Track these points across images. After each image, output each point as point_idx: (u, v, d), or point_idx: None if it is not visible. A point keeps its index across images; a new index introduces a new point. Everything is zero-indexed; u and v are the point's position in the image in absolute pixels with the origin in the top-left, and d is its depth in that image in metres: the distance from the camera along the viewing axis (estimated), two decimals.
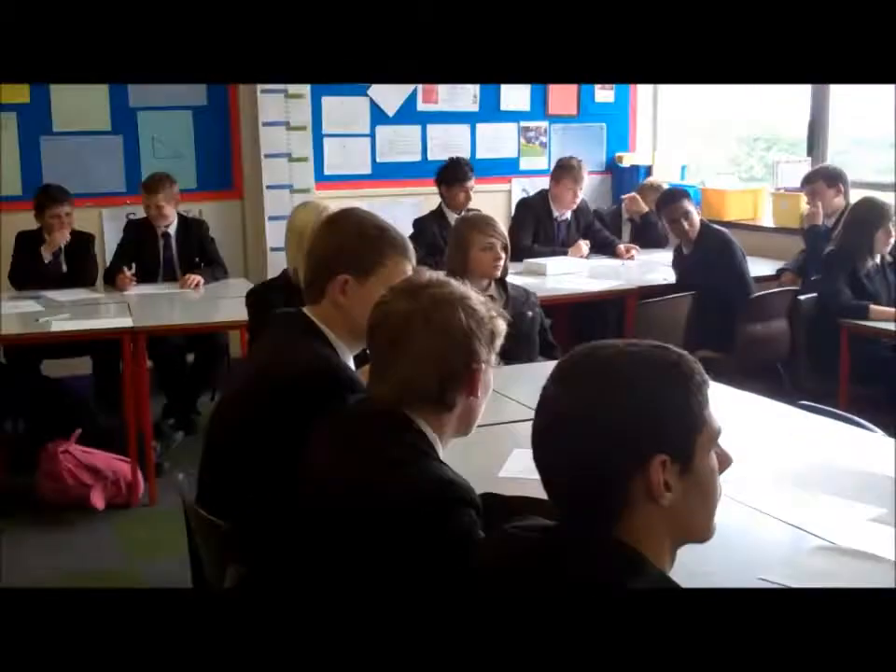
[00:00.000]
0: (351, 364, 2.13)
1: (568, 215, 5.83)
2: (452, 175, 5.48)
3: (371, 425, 1.69)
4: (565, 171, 5.70)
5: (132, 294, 4.84)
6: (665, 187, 5.88)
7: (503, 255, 3.68)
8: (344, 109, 6.22)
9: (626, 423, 1.20)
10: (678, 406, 1.22)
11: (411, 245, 2.15)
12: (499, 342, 1.76)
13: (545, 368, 3.50)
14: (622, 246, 5.70)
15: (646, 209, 5.89)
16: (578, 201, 5.75)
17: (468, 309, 1.70)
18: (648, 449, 1.21)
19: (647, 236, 5.96)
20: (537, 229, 5.71)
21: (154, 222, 5.13)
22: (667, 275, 5.04)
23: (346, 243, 2.09)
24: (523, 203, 5.93)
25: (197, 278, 4.99)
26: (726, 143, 6.84)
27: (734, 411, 2.64)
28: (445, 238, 5.29)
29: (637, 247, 5.72)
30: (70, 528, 4.00)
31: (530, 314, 3.77)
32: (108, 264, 5.25)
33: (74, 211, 5.06)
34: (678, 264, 4.99)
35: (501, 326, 1.76)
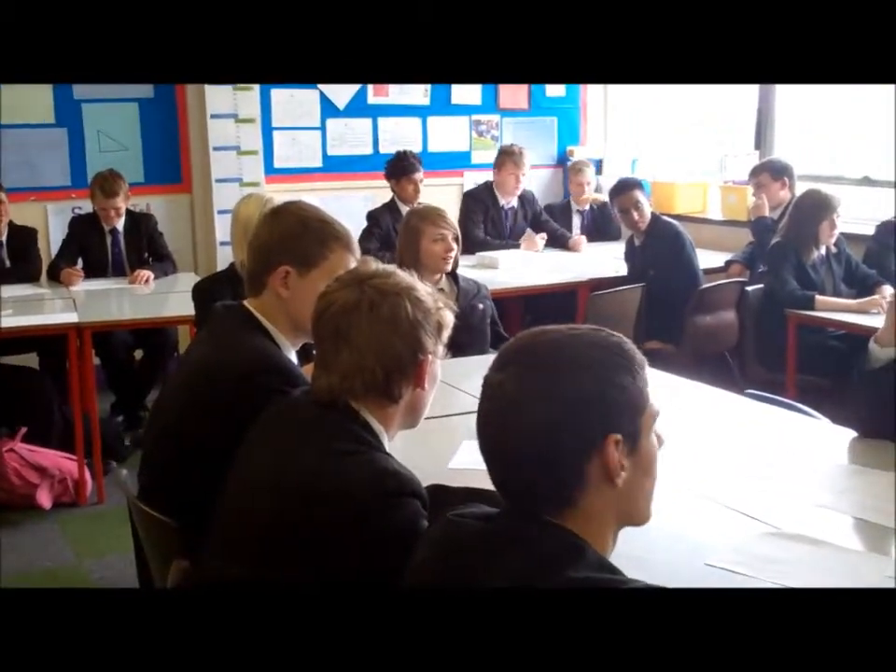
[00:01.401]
0: (293, 358, 2.11)
1: (515, 202, 5.88)
2: (399, 168, 5.47)
3: (315, 416, 1.67)
4: (506, 156, 5.78)
5: (78, 290, 4.76)
6: (587, 164, 6.06)
7: (454, 246, 3.68)
8: (294, 102, 6.16)
9: (578, 404, 1.20)
10: (625, 386, 1.22)
11: (355, 239, 2.13)
12: (447, 333, 1.75)
13: None
14: (574, 238, 5.74)
15: (604, 199, 5.92)
16: (521, 187, 5.81)
17: (414, 300, 1.69)
18: (602, 430, 1.21)
19: (601, 228, 6.01)
20: (484, 218, 5.74)
21: (107, 223, 5.06)
22: (618, 268, 5.08)
23: (289, 234, 2.07)
24: (468, 195, 5.97)
25: (147, 273, 4.92)
26: (676, 136, 6.88)
27: (682, 400, 2.66)
28: (397, 230, 5.29)
29: (585, 239, 5.77)
30: (16, 528, 3.93)
31: (481, 306, 3.77)
32: (52, 259, 5.16)
33: (7, 202, 4.95)
34: (629, 256, 5.03)
35: (448, 317, 1.75)
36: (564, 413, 1.19)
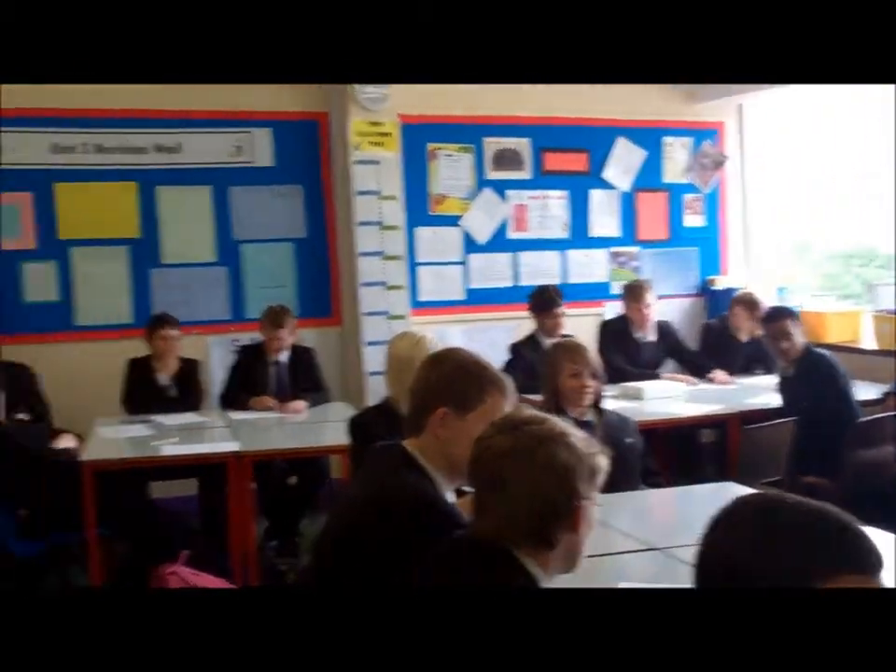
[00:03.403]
0: (451, 499, 2.17)
1: (651, 336, 5.87)
2: (541, 303, 5.60)
3: (476, 561, 1.71)
4: (626, 293, 5.89)
5: (237, 418, 4.96)
6: (754, 297, 5.89)
7: (591, 383, 3.67)
8: (437, 239, 6.41)
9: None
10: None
11: (511, 386, 2.20)
12: (600, 477, 1.78)
13: (647, 496, 3.51)
14: (717, 374, 5.63)
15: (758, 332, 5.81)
16: (650, 319, 5.81)
17: (568, 445, 1.72)
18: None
19: (760, 359, 5.87)
20: (620, 350, 5.76)
21: (272, 354, 5.31)
22: (770, 399, 4.93)
23: (448, 377, 2.16)
24: (605, 325, 6.05)
25: (300, 404, 5.12)
26: (820, 261, 6.81)
27: None
28: (539, 363, 5.37)
29: (727, 374, 5.62)
30: None
31: (630, 440, 3.75)
32: (223, 388, 5.42)
33: (181, 337, 5.28)
34: (782, 387, 4.91)
35: (602, 462, 1.78)
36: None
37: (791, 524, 1.22)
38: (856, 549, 1.21)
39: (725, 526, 1.27)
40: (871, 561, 1.21)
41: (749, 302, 5.84)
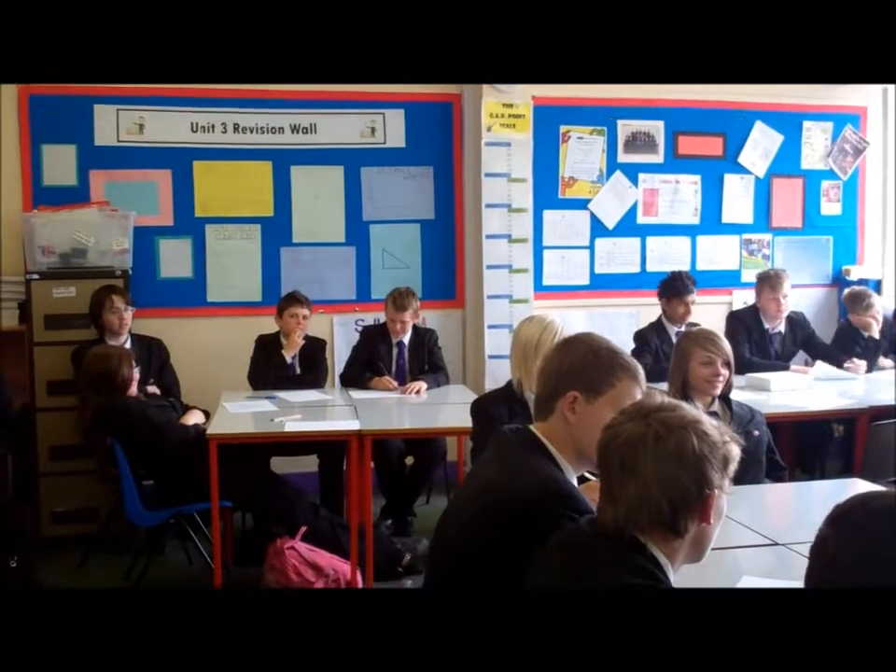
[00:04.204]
0: (575, 483, 2.15)
1: (782, 326, 5.70)
2: (672, 288, 5.49)
3: (603, 547, 1.70)
4: (762, 282, 5.68)
5: (359, 398, 5.03)
6: (867, 292, 5.71)
7: (724, 371, 3.64)
8: (565, 222, 6.36)
9: None
10: None
11: (642, 372, 2.16)
12: (733, 467, 1.73)
13: (771, 490, 3.43)
14: (854, 363, 5.46)
15: (874, 329, 5.62)
16: (784, 311, 5.63)
17: (700, 433, 1.69)
18: None
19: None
20: (749, 341, 5.61)
21: (395, 335, 5.38)
22: None
23: (579, 361, 2.14)
24: (733, 316, 5.88)
25: (420, 385, 5.16)
26: None
27: None
28: (665, 350, 5.28)
29: (865, 364, 5.46)
30: None
31: (756, 433, 3.67)
32: (344, 367, 5.52)
33: (311, 316, 5.38)
34: None
35: (735, 450, 1.74)
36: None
37: None
38: None
39: (840, 524, 1.26)
40: None
41: (853, 297, 5.71)
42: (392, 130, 6.14)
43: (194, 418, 4.79)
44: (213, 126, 5.88)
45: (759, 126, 6.58)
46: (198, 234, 5.91)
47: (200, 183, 5.89)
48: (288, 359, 5.31)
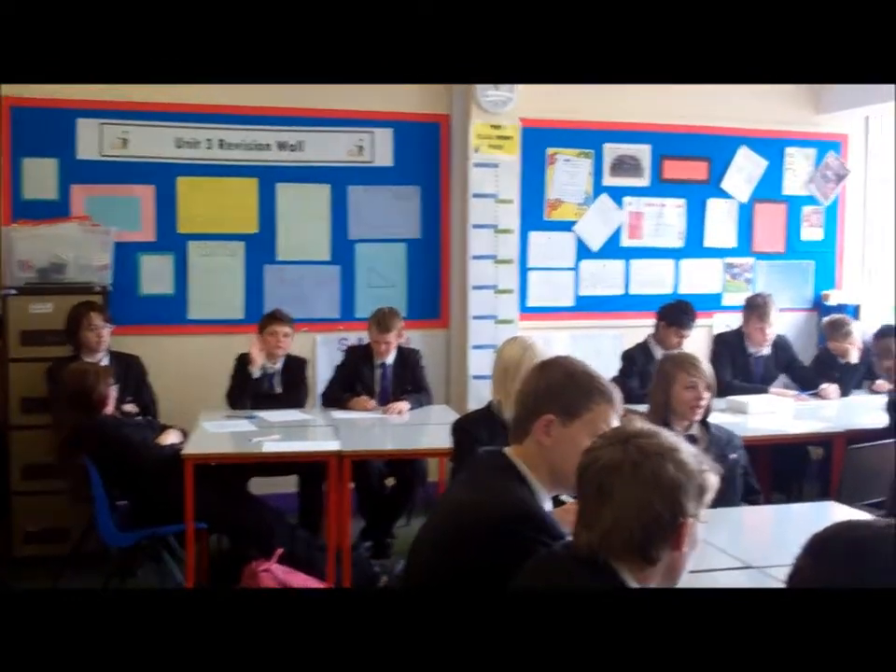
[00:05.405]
0: (549, 507, 2.14)
1: (766, 351, 5.72)
2: (677, 318, 5.50)
3: (575, 572, 1.68)
4: (750, 310, 5.71)
5: (340, 418, 4.99)
6: (846, 320, 5.74)
7: (706, 395, 3.65)
8: (551, 244, 6.36)
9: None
10: None
11: (619, 397, 2.16)
12: (709, 496, 1.73)
13: (746, 513, 3.42)
14: (825, 387, 5.48)
15: (853, 356, 5.64)
16: (769, 338, 5.66)
17: (677, 461, 1.69)
18: None
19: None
20: (733, 364, 5.63)
21: (379, 357, 5.33)
22: (878, 419, 4.76)
23: (556, 384, 2.13)
24: (719, 338, 5.93)
25: (402, 405, 5.12)
26: None
27: None
28: (650, 371, 5.27)
29: (838, 389, 5.47)
30: None
31: (733, 456, 3.68)
32: (326, 386, 5.46)
33: (293, 334, 5.32)
34: (890, 407, 4.73)
35: (712, 480, 1.73)
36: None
37: (880, 559, 1.21)
38: None
39: (817, 555, 1.27)
40: None
41: (832, 324, 5.72)
42: (380, 149, 6.14)
43: (171, 438, 4.69)
44: (198, 142, 5.86)
45: (743, 151, 6.61)
46: (180, 251, 5.87)
47: (183, 199, 5.86)
48: (268, 378, 5.26)
